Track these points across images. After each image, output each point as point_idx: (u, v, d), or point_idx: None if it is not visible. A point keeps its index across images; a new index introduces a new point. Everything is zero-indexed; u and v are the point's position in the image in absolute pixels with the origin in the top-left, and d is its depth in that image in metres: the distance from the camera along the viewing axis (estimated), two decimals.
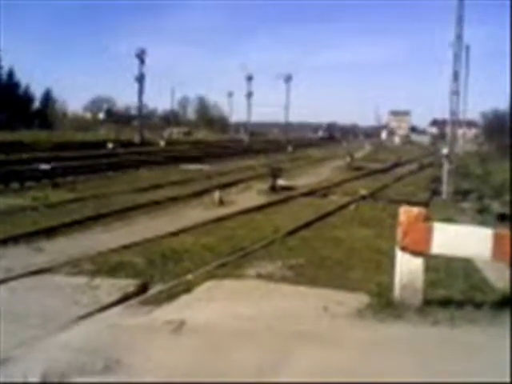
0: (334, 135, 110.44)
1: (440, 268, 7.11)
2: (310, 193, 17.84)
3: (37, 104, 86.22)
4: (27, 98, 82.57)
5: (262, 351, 4.51)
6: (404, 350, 4.65)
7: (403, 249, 5.62)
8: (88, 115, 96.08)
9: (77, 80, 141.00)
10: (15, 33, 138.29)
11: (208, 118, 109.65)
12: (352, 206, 14.76)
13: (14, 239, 9.24)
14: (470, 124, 68.65)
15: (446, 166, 19.60)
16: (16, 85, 79.88)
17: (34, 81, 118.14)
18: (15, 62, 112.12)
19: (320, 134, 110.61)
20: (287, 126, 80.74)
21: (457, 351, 4.65)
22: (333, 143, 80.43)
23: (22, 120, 65.59)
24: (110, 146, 37.82)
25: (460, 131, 40.39)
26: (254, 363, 4.26)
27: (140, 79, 50.70)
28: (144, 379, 4.01)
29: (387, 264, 6.82)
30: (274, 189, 18.11)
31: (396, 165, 34.63)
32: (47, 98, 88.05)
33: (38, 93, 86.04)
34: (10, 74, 79.01)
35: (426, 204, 14.39)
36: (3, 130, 45.52)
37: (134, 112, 72.00)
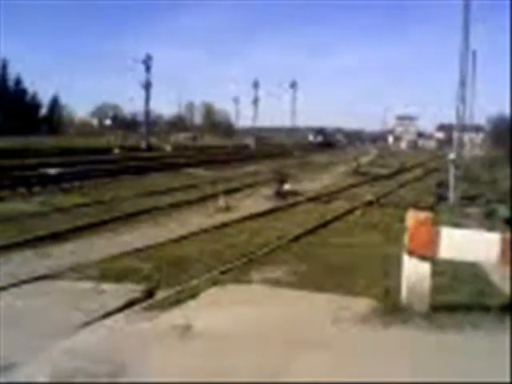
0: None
1: (447, 272, 7.07)
2: (316, 198, 17.80)
3: (44, 110, 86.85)
4: (34, 105, 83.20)
5: (267, 356, 4.49)
6: (409, 355, 4.62)
7: (410, 253, 5.59)
8: (95, 121, 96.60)
9: (83, 86, 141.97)
10: (21, 40, 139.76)
11: (214, 123, 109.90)
12: (358, 211, 14.72)
13: (21, 244, 9.26)
14: (477, 129, 68.44)
15: (453, 171, 19.52)
16: (23, 92, 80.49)
17: (41, 87, 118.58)
18: (22, 69, 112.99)
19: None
20: (294, 131, 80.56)
21: (461, 357, 4.61)
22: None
23: (29, 126, 66.09)
24: (117, 151, 38.03)
25: (467, 136, 40.32)
26: (258, 368, 4.24)
27: (146, 86, 50.94)
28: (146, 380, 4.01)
29: (393, 269, 6.78)
30: (279, 194, 18.09)
31: (402, 170, 34.56)
32: (54, 104, 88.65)
33: (45, 99, 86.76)
34: (18, 82, 79.64)
35: (432, 209, 14.33)
36: (10, 136, 45.78)
37: (140, 118, 72.34)
